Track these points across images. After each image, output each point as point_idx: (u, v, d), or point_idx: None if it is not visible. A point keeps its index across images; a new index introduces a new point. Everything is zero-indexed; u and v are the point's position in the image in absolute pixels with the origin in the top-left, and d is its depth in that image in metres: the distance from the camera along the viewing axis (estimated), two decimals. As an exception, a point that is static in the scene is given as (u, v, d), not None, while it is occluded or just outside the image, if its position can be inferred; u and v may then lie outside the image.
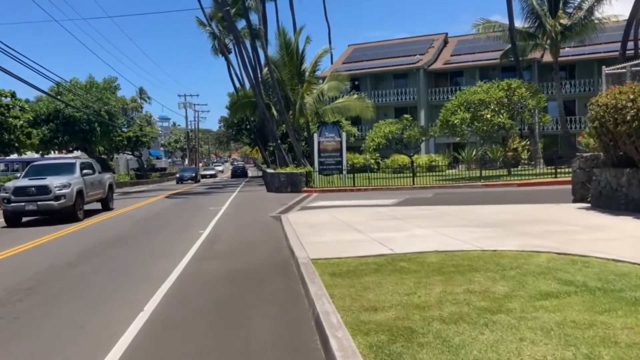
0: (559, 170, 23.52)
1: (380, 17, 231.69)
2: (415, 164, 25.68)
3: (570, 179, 20.84)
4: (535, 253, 7.48)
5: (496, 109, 23.84)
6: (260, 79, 37.75)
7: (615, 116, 10.98)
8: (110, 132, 49.55)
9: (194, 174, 52.88)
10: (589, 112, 12.19)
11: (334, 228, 11.06)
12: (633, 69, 12.76)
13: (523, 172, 24.67)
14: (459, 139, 26.59)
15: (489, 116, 23.43)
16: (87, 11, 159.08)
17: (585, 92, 44.50)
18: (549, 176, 22.29)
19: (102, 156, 56.33)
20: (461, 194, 19.58)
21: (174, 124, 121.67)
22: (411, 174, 28.35)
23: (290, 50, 34.47)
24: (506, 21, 34.28)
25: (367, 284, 6.20)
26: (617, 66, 13.90)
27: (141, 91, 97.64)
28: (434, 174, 27.59)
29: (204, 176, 63.17)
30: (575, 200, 13.83)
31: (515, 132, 28.64)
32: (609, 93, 11.46)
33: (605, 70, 13.37)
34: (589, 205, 12.68)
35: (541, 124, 28.57)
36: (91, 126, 43.58)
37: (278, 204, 19.14)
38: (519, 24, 34.19)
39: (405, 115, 35.14)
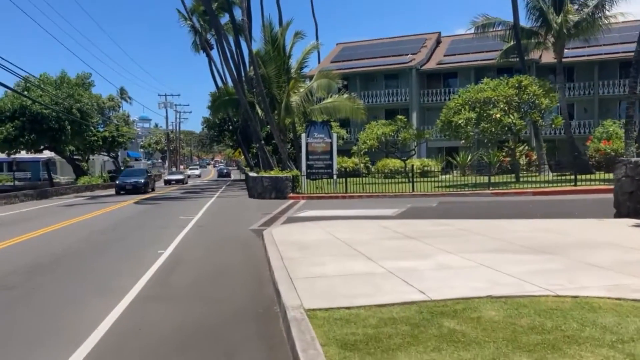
0: (568, 176, 21.41)
1: (366, 19, 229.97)
2: (414, 169, 23.11)
3: (597, 187, 18.77)
4: (644, 304, 5.00)
5: (505, 108, 21.45)
6: (243, 76, 35.19)
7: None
8: (84, 132, 46.36)
9: (142, 180, 33.59)
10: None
11: (332, 251, 8.48)
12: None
13: (534, 180, 22.27)
14: (463, 141, 24.12)
15: (498, 116, 20.99)
16: (63, 8, 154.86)
17: (585, 96, 42.61)
18: (567, 184, 19.91)
19: (76, 157, 53.21)
20: (472, 204, 17.10)
21: (156, 125, 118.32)
22: (406, 180, 25.95)
23: (276, 45, 31.92)
24: (506, 19, 32.21)
25: (406, 372, 3.63)
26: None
27: (122, 91, 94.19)
28: (431, 179, 25.19)
29: (168, 182, 50.08)
30: (620, 215, 11.43)
31: (516, 136, 26.21)
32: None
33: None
34: (646, 222, 10.27)
35: (553, 126, 26.20)
36: (61, 124, 40.39)
37: (260, 213, 16.59)
38: (520, 21, 31.97)
39: (399, 117, 32.73)
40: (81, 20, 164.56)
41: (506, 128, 21.78)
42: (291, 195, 22.65)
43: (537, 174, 28.39)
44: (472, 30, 34.29)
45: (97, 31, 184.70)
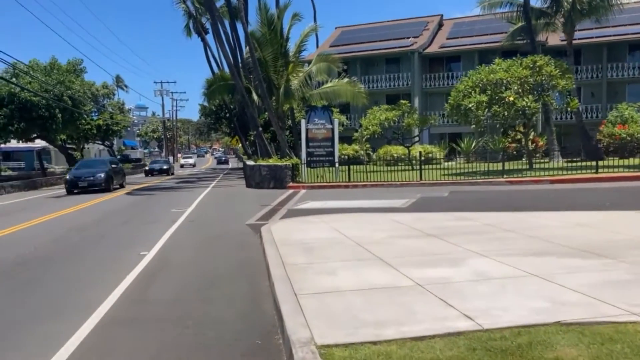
0: (579, 163, 20.12)
1: (366, 3, 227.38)
2: (421, 156, 21.75)
3: (620, 174, 17.41)
4: None
5: (519, 90, 20.07)
6: (239, 61, 33.74)
7: None
8: (76, 120, 44.83)
9: (103, 175, 24.71)
10: None
11: (342, 254, 7.18)
12: None
13: (548, 167, 20.95)
14: (473, 126, 22.75)
15: (511, 98, 19.61)
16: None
17: (593, 79, 41.18)
18: (586, 171, 18.60)
19: (69, 146, 51.83)
20: (488, 194, 15.81)
21: (153, 113, 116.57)
22: (410, 167, 24.65)
23: (273, 28, 30.40)
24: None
25: None
26: None
27: (118, 79, 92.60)
28: (436, 166, 23.90)
29: (150, 172, 42.84)
30: (664, 207, 10.15)
31: (528, 120, 24.77)
32: None
33: None
34: (699, 215, 8.99)
35: (569, 110, 24.84)
36: (51, 112, 38.88)
37: (258, 204, 15.32)
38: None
39: (403, 101, 31.35)
40: (75, 7, 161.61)
41: (519, 112, 20.41)
42: (291, 184, 21.37)
43: (547, 160, 27.07)
44: (478, 10, 32.90)
45: (91, 18, 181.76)
